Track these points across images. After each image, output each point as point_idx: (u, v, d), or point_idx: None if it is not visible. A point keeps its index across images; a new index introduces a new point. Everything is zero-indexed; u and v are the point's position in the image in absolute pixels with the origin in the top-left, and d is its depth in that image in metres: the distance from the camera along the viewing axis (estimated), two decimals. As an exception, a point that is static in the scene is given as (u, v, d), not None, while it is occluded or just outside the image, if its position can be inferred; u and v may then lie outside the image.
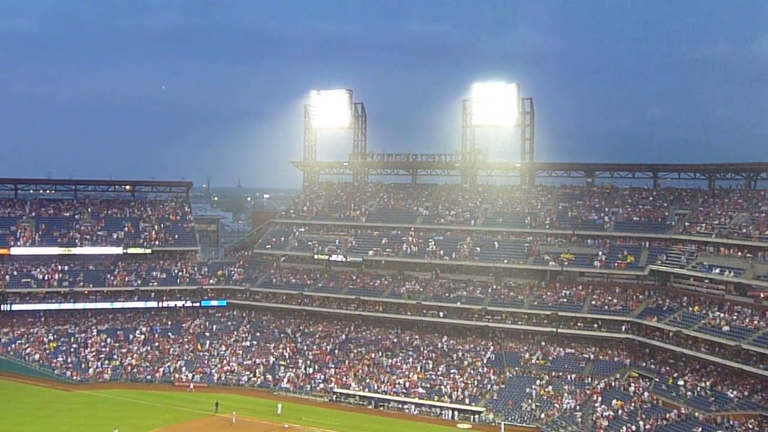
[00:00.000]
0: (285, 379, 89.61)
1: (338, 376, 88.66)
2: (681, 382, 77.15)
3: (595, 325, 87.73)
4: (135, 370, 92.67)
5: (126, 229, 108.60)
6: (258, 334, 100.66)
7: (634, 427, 70.58)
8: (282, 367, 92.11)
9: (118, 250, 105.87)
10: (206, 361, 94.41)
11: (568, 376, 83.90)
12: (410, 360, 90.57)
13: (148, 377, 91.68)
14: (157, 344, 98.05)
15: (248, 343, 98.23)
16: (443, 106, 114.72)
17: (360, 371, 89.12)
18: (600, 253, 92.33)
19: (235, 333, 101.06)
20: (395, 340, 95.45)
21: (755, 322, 75.84)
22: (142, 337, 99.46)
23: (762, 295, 78.46)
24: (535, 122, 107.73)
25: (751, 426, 66.37)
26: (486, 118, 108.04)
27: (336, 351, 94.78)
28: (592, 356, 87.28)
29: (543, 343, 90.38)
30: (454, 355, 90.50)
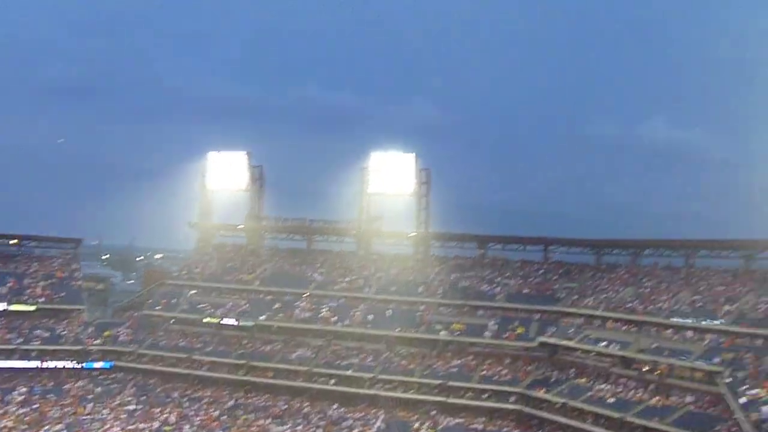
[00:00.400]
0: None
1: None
2: (567, 454, 78.26)
3: (485, 396, 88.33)
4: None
5: (9, 284, 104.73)
6: (143, 397, 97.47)
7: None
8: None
9: (0, 306, 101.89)
10: (88, 425, 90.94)
11: None
12: (299, 428, 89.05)
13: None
14: (36, 406, 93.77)
15: (133, 407, 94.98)
16: (342, 173, 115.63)
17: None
18: (491, 324, 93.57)
19: (120, 396, 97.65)
20: (285, 406, 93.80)
21: (639, 394, 77.87)
22: (21, 398, 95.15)
23: (645, 369, 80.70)
24: (431, 193, 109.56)
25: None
26: (383, 186, 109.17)
27: (224, 417, 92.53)
28: (481, 427, 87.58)
29: (433, 413, 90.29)
30: (344, 423, 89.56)
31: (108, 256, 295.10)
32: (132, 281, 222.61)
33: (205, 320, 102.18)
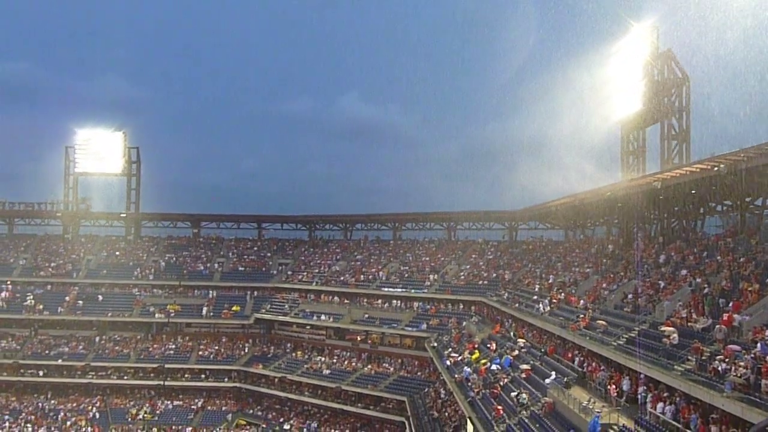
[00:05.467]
0: None
1: None
2: (287, 426, 79.87)
3: (203, 376, 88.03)
4: None
5: None
6: None
7: (242, 475, 71.56)
8: None
9: None
10: None
11: (177, 429, 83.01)
12: (6, 424, 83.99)
13: None
14: None
15: None
16: (44, 151, 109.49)
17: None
18: (206, 303, 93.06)
19: None
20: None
21: (353, 364, 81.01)
22: None
23: (358, 339, 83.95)
24: (142, 172, 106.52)
25: (351, 463, 70.32)
26: (91, 166, 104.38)
27: None
28: (200, 407, 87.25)
29: (151, 397, 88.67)
30: (57, 415, 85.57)
31: None
32: None
33: None
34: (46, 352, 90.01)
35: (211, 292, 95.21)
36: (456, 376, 58.17)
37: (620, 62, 62.93)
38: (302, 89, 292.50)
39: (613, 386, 37.45)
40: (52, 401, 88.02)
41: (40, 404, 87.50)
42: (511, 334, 61.36)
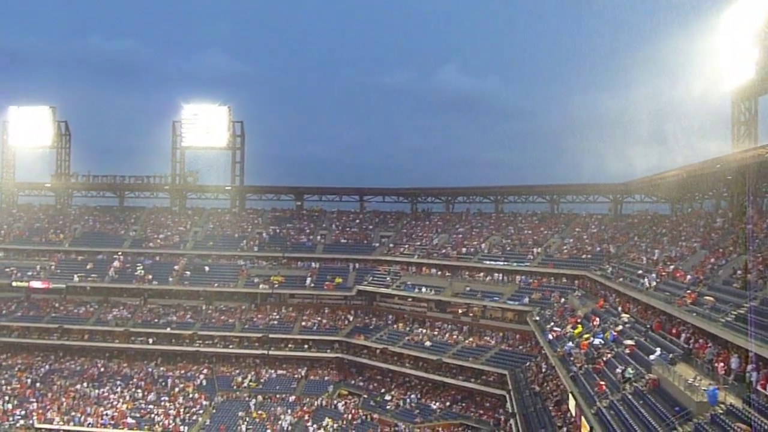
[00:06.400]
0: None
1: (40, 411, 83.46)
2: (388, 397, 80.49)
3: (306, 346, 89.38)
4: None
5: None
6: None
7: (344, 444, 72.49)
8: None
9: None
10: None
11: (280, 398, 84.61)
12: (118, 389, 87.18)
13: None
14: None
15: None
16: (152, 126, 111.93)
17: (65, 404, 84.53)
18: (309, 274, 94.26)
19: None
20: (102, 369, 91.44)
21: (454, 336, 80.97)
22: None
23: (460, 311, 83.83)
24: (246, 145, 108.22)
25: (451, 436, 70.43)
26: (197, 139, 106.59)
27: (38, 384, 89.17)
28: (303, 376, 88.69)
29: (255, 366, 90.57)
30: (166, 381, 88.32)
31: None
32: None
33: (13, 284, 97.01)
34: (156, 320, 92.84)
35: (314, 263, 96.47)
36: (558, 350, 57.40)
37: (730, 29, 60.60)
38: (401, 61, 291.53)
39: (721, 364, 36.37)
40: (161, 368, 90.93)
41: (149, 370, 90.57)
42: (618, 309, 60.22)
